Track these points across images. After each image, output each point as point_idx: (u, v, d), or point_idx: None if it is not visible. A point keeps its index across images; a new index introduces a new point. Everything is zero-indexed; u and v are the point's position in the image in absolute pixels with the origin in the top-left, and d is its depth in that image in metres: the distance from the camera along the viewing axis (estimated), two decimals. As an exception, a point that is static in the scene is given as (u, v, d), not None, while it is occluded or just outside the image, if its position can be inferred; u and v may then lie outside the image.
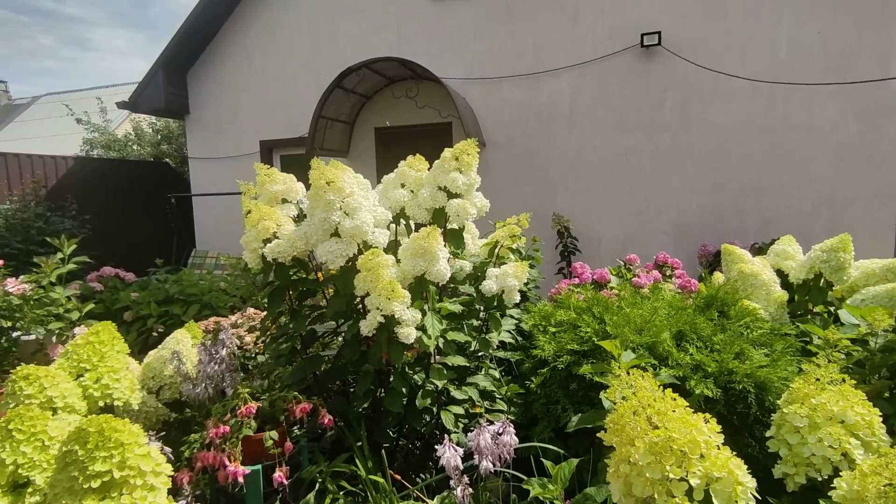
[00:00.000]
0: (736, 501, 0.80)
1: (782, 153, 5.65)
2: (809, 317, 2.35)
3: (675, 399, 0.93)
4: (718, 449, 0.86)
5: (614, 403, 1.44)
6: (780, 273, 2.89)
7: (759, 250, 5.14)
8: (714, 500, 0.80)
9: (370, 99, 6.94)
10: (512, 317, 2.55)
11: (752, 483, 0.83)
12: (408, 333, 1.84)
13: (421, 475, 2.35)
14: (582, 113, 6.20)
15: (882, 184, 5.46)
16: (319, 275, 2.34)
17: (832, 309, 2.54)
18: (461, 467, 1.61)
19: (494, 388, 2.40)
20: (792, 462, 1.05)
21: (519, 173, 6.41)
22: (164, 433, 1.90)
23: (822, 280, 2.46)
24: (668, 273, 3.51)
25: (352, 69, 5.83)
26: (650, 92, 5.94)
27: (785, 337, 2.08)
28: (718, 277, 2.92)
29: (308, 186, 2.10)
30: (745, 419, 1.80)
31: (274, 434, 1.79)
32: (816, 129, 5.54)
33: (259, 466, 1.78)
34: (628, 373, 1.01)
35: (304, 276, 2.18)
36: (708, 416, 0.92)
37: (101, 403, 1.85)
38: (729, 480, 0.81)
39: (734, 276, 2.69)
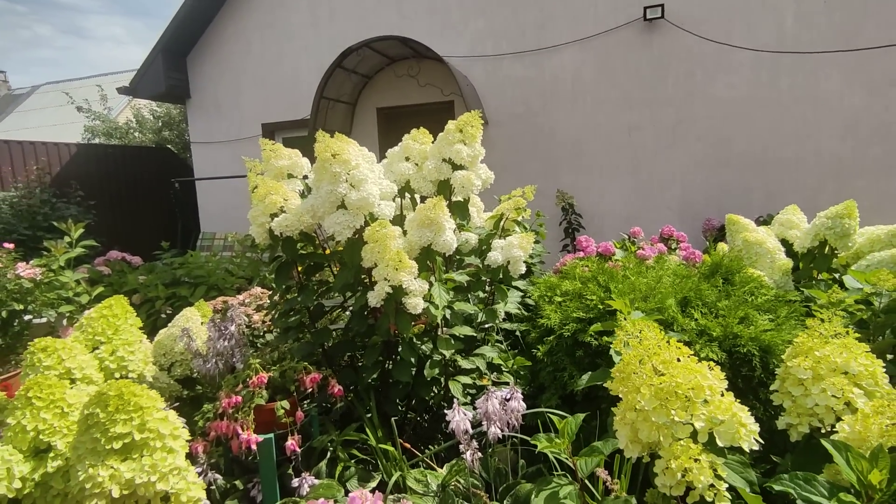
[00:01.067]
0: (740, 442, 0.82)
1: (788, 126, 5.60)
2: (814, 283, 2.35)
3: (679, 348, 0.95)
4: (722, 395, 0.87)
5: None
6: (785, 242, 2.89)
7: (763, 223, 5.12)
8: (718, 441, 0.82)
9: (371, 79, 6.90)
10: (518, 288, 2.56)
11: (755, 426, 0.85)
12: (415, 304, 1.86)
13: (430, 446, 2.39)
14: (585, 89, 6.15)
15: (889, 155, 5.41)
16: (327, 250, 2.36)
17: (837, 276, 2.54)
18: (471, 431, 1.64)
19: (501, 361, 2.42)
20: (795, 413, 1.06)
21: (522, 151, 6.38)
22: (176, 405, 1.93)
23: (827, 247, 2.46)
24: (674, 246, 3.52)
25: (352, 49, 5.78)
26: (653, 66, 5.87)
27: (790, 303, 2.09)
28: (723, 247, 2.93)
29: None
30: (749, 382, 1.82)
31: (285, 403, 1.82)
32: (822, 101, 5.48)
33: (271, 435, 1.82)
34: (634, 324, 1.03)
35: (312, 250, 2.20)
36: (712, 364, 0.93)
37: (116, 375, 1.89)
38: (732, 423, 0.83)
39: (739, 245, 2.69)
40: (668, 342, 0.96)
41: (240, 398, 1.77)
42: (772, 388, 1.16)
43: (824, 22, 5.35)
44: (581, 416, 1.18)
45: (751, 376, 1.79)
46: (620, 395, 0.97)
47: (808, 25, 5.39)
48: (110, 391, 1.23)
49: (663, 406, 0.86)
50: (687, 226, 5.70)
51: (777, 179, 5.69)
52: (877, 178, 5.46)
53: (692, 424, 0.83)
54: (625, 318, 1.49)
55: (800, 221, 2.92)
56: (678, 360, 0.92)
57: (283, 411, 1.80)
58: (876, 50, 5.22)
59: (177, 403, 2.06)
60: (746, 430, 0.84)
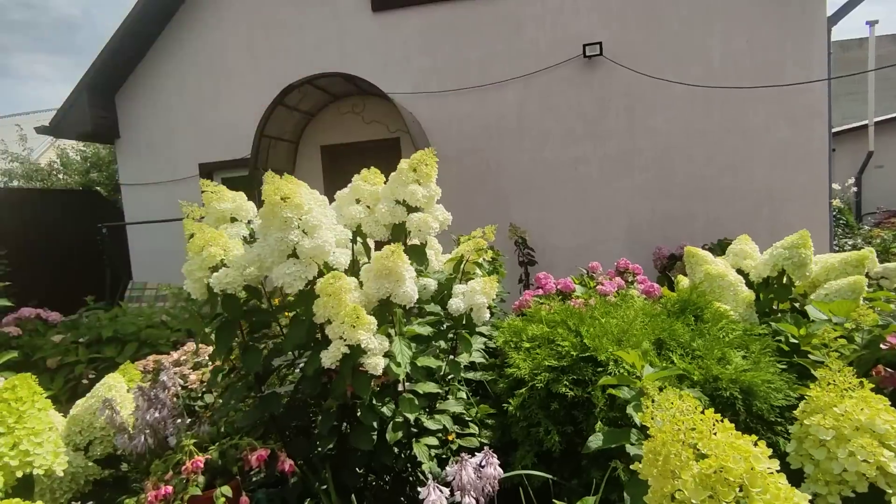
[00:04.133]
0: None
1: (722, 157, 5.85)
2: (779, 315, 2.34)
3: (721, 421, 0.82)
4: (773, 475, 0.75)
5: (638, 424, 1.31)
6: (740, 272, 2.91)
7: (709, 251, 5.25)
8: None
9: (315, 116, 6.73)
10: (482, 334, 2.42)
11: None
12: (376, 364, 1.67)
13: (393, 513, 2.17)
14: (530, 124, 6.22)
15: (814, 183, 5.74)
16: (276, 300, 2.13)
17: (796, 305, 2.55)
18: (446, 510, 1.44)
19: (464, 411, 2.25)
20: (822, 480, 0.95)
21: (470, 187, 6.34)
22: (87, 502, 1.62)
23: (786, 277, 2.47)
24: (630, 279, 3.49)
25: (294, 86, 5.62)
26: (595, 101, 6.03)
27: (761, 337, 2.04)
28: (683, 280, 2.91)
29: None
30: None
31: (227, 490, 1.56)
32: (751, 133, 5.77)
33: (211, 529, 1.55)
34: (651, 381, 0.90)
35: (258, 304, 1.97)
36: (754, 437, 0.81)
37: (18, 474, 1.56)
38: None
39: (699, 279, 2.67)
40: (702, 412, 0.83)
41: (170, 489, 1.50)
42: (787, 448, 1.06)
43: (748, 60, 5.69)
44: (591, 500, 1.03)
45: (735, 421, 1.70)
46: (649, 481, 0.83)
47: (734, 63, 5.72)
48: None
49: (715, 499, 0.72)
50: (635, 255, 5.77)
51: (716, 207, 5.91)
52: (805, 204, 5.77)
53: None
54: (636, 374, 1.36)
55: (753, 251, 2.94)
56: (714, 433, 0.80)
57: (223, 500, 1.54)
58: (797, 86, 5.58)
59: (89, 501, 1.74)
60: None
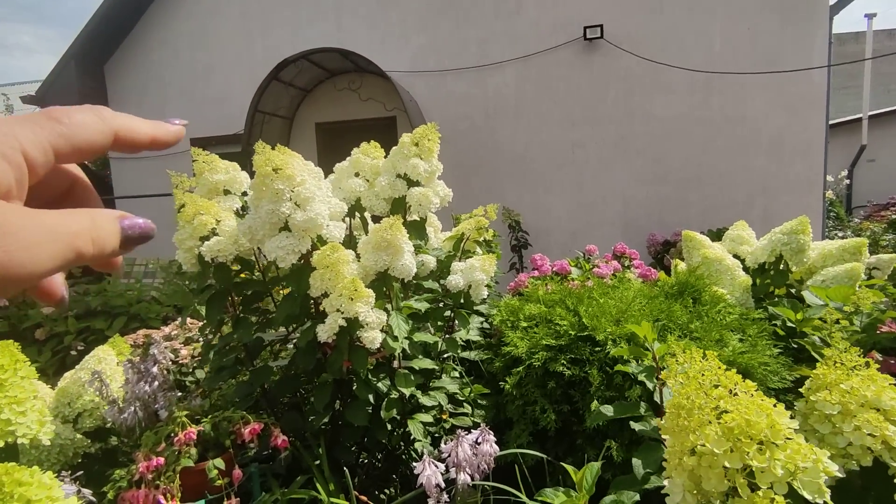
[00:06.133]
0: (823, 495, 0.69)
1: (720, 144, 5.84)
2: (776, 299, 2.34)
3: (745, 380, 0.82)
4: (793, 433, 0.75)
5: (639, 397, 1.30)
6: (736, 257, 2.90)
7: (703, 238, 5.26)
8: (803, 492, 0.69)
9: (310, 92, 6.62)
10: (479, 313, 2.40)
11: (839, 473, 0.74)
12: (373, 337, 1.64)
13: (385, 490, 2.17)
14: (528, 106, 6.16)
15: (809, 172, 5.75)
16: (272, 273, 2.10)
17: (792, 291, 2.55)
18: (443, 485, 1.43)
19: (458, 390, 2.24)
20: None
21: (466, 168, 6.29)
22: (81, 473, 1.59)
23: (783, 263, 2.47)
24: (627, 263, 3.48)
25: (289, 60, 5.51)
26: (594, 85, 5.97)
27: (757, 321, 2.04)
28: (680, 265, 2.90)
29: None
30: (729, 408, 1.72)
31: (219, 462, 1.54)
32: (749, 120, 5.76)
33: (202, 502, 1.53)
34: (683, 351, 0.89)
35: (250, 276, 1.93)
36: (773, 399, 0.81)
37: (0, 443, 1.52)
38: (815, 470, 0.70)
39: (696, 262, 2.66)
40: (725, 372, 0.83)
41: (162, 460, 1.47)
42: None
43: (749, 47, 5.65)
44: (596, 465, 1.02)
45: (732, 403, 1.70)
46: (667, 436, 0.83)
47: (734, 50, 5.68)
48: (-19, 478, 0.93)
49: (739, 450, 0.72)
50: (630, 240, 5.76)
51: (712, 195, 5.91)
52: (800, 192, 5.78)
53: (772, 472, 0.70)
54: (646, 345, 1.34)
55: (749, 237, 2.94)
56: (735, 394, 0.79)
57: (216, 472, 1.52)
58: (795, 73, 5.55)
59: (80, 472, 1.71)
60: (829, 479, 0.72)
